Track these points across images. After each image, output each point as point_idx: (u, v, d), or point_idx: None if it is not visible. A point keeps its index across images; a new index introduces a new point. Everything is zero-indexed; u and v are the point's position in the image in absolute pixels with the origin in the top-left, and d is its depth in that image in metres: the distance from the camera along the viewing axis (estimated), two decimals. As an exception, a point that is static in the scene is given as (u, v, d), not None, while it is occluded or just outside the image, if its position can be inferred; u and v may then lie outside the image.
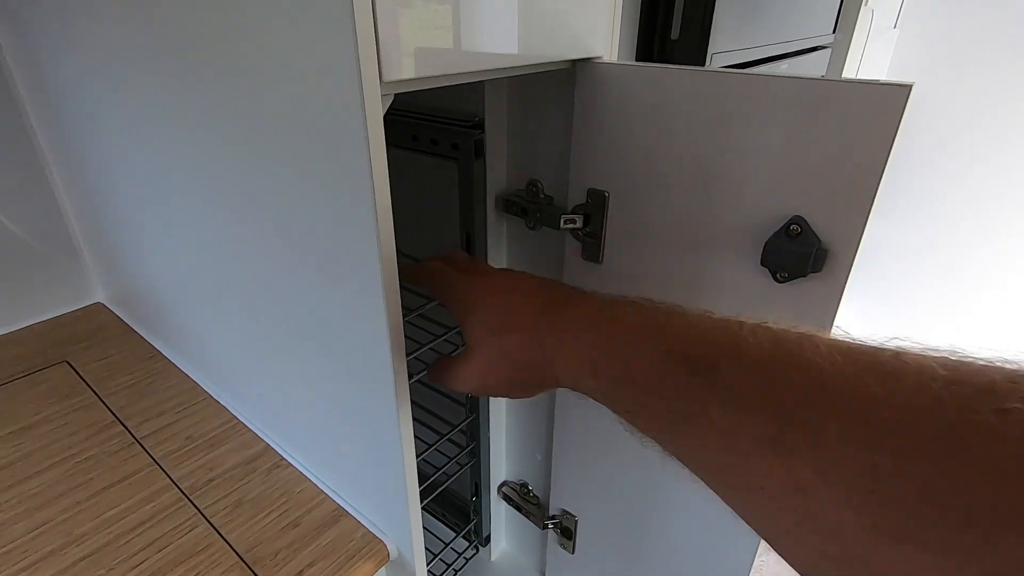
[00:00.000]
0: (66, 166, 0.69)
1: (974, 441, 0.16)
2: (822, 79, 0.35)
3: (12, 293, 0.74)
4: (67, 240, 0.76)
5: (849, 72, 1.05)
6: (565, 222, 0.50)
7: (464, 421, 0.67)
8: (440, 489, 0.65)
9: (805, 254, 0.37)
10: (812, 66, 0.90)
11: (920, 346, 0.20)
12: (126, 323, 0.76)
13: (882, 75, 1.64)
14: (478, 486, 0.74)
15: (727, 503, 0.24)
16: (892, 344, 0.20)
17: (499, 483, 0.76)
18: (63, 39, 0.52)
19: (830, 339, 0.21)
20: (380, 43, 0.28)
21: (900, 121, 0.33)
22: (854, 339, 0.21)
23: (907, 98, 0.32)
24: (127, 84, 0.47)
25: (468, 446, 0.70)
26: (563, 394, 0.60)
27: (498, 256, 0.57)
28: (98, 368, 0.68)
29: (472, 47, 0.34)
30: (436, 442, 0.60)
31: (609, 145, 0.45)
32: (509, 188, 0.55)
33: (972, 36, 1.54)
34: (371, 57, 0.28)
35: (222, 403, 0.62)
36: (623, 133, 0.44)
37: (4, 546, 0.46)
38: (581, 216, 0.49)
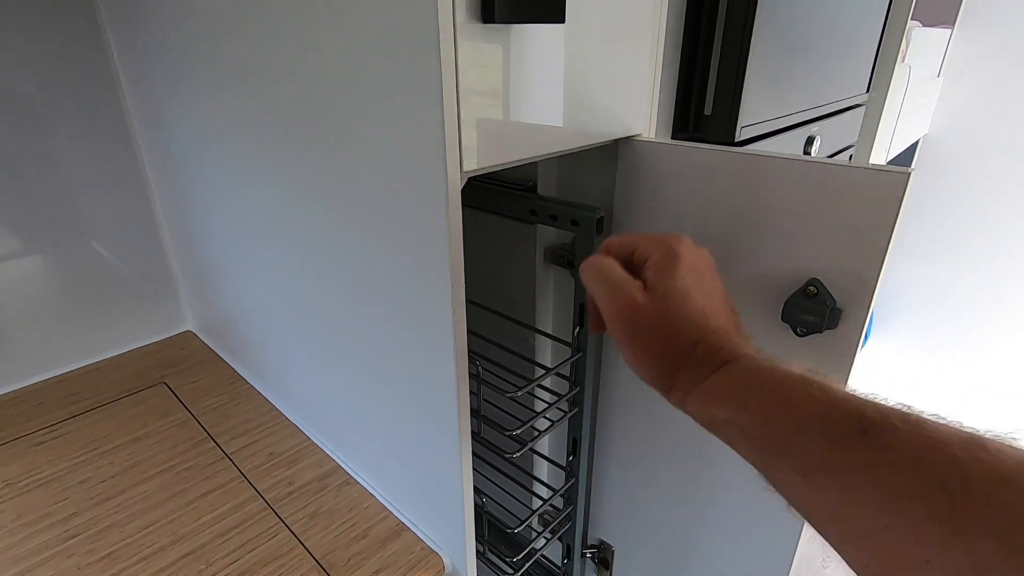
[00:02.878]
0: (172, 210, 0.80)
1: None
2: (834, 164, 0.41)
3: (116, 321, 0.85)
4: (166, 274, 0.87)
5: (886, 127, 1.09)
6: (607, 275, 0.56)
7: (564, 487, 0.65)
8: (534, 556, 0.63)
9: (821, 312, 0.42)
10: (846, 126, 0.94)
11: None
12: (213, 350, 0.86)
13: (925, 126, 1.66)
14: (571, 549, 0.72)
15: (850, 560, 0.24)
16: None
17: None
18: (182, 108, 0.63)
19: (1013, 445, 0.21)
20: (463, 146, 0.35)
21: (902, 201, 0.38)
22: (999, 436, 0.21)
23: (907, 183, 0.38)
24: (235, 147, 0.57)
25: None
26: (604, 424, 0.65)
27: (544, 302, 0.64)
28: (190, 390, 0.77)
29: (531, 138, 0.42)
30: (538, 508, 0.61)
31: (646, 210, 0.52)
32: (556, 242, 0.62)
33: (1014, 84, 1.54)
34: (455, 155, 0.35)
35: (297, 425, 0.70)
36: (659, 200, 0.51)
37: (121, 541, 0.54)
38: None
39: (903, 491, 0.21)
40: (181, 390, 0.77)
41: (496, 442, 0.59)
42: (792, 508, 0.27)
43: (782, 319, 0.45)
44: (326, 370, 0.60)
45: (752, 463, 0.29)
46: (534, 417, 0.56)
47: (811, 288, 0.43)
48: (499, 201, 0.59)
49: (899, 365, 2.03)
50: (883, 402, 0.24)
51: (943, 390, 1.94)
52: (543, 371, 0.58)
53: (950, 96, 1.63)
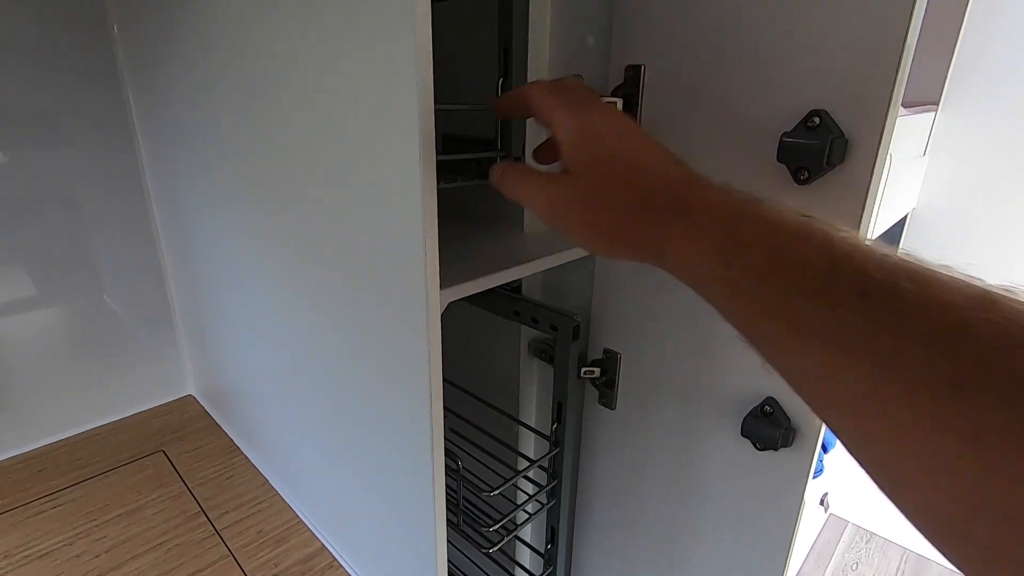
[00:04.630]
0: (179, 271, 0.85)
1: None
2: None
3: (121, 383, 0.88)
4: (171, 336, 0.91)
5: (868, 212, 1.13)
6: (584, 373, 0.59)
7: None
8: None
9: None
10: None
11: None
12: (212, 417, 0.89)
13: (912, 201, 1.71)
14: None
15: (854, 438, 0.22)
16: None
17: None
18: (190, 181, 0.68)
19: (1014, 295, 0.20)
20: (441, 291, 0.39)
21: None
22: None
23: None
24: (238, 219, 0.61)
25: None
26: (583, 511, 0.67)
27: (528, 393, 0.67)
28: (188, 459, 0.80)
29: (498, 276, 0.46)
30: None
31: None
32: (540, 336, 0.66)
33: (995, 160, 1.60)
34: (435, 283, 0.39)
35: (288, 501, 0.72)
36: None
37: (110, 620, 0.56)
38: (599, 369, 0.59)
39: (902, 355, 0.20)
40: (179, 459, 0.80)
41: (477, 535, 0.61)
42: (769, 365, 0.25)
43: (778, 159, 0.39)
44: (313, 452, 0.63)
45: (733, 323, 0.26)
46: (514, 510, 0.59)
47: (814, 119, 0.37)
48: (487, 299, 0.63)
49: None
50: (888, 255, 0.22)
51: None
52: (526, 462, 0.61)
53: (936, 173, 1.69)
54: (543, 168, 0.39)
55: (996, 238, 1.63)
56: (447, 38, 0.60)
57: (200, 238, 0.74)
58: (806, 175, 0.38)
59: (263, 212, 0.56)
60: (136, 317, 0.87)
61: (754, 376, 0.47)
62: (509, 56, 0.51)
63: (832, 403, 0.23)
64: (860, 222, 0.39)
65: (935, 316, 0.20)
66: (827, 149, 0.36)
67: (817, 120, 0.37)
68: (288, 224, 0.52)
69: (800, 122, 0.38)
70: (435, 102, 0.34)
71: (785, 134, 0.39)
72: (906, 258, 0.22)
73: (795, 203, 0.33)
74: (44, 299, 0.78)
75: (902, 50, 0.35)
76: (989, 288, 0.20)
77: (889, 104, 0.36)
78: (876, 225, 1.35)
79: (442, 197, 0.37)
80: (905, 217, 1.70)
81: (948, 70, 1.64)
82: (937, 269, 0.21)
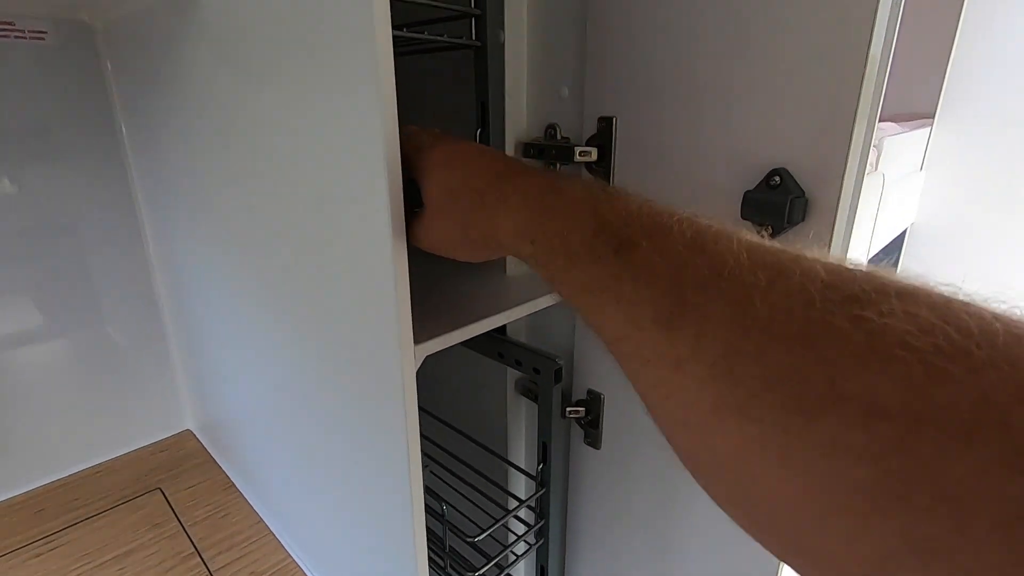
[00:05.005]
0: (175, 304, 0.86)
1: (821, 338, 0.18)
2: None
3: (120, 419, 0.89)
4: (168, 368, 0.92)
5: (861, 233, 1.13)
6: (569, 412, 0.60)
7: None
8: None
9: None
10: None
11: (824, 252, 0.21)
12: (208, 452, 0.90)
13: (912, 216, 1.71)
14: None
15: (625, 374, 0.25)
16: (798, 247, 0.22)
17: None
18: (187, 232, 0.70)
19: (750, 238, 0.23)
20: (417, 346, 0.40)
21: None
22: (775, 243, 0.22)
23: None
24: (223, 265, 0.62)
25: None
26: (573, 550, 0.67)
27: (516, 431, 0.67)
28: (184, 496, 0.81)
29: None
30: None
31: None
32: (525, 375, 0.66)
33: (991, 172, 1.60)
34: (408, 342, 0.40)
35: (280, 540, 0.72)
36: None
37: (103, 668, 0.56)
38: (583, 409, 0.60)
39: (636, 300, 0.23)
40: (175, 497, 0.81)
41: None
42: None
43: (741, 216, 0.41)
44: (300, 494, 0.64)
45: (549, 287, 0.31)
46: (502, 551, 0.59)
47: (775, 177, 0.39)
48: (472, 339, 0.64)
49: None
50: (652, 215, 0.26)
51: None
52: (515, 501, 0.61)
53: (933, 187, 1.68)
54: None
55: (993, 250, 1.62)
56: (426, 90, 0.61)
57: (191, 276, 0.75)
58: (769, 232, 0.39)
59: (244, 262, 0.57)
60: (134, 351, 0.89)
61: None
62: (486, 109, 0.52)
63: (615, 352, 0.25)
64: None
65: (661, 265, 0.23)
66: (788, 207, 0.37)
67: (778, 179, 0.38)
68: (266, 275, 0.53)
69: (762, 180, 0.39)
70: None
71: (748, 192, 0.40)
72: (653, 214, 0.26)
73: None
74: (47, 329, 0.80)
75: (855, 115, 0.35)
76: (707, 228, 0.24)
77: (845, 166, 0.36)
78: (873, 242, 1.35)
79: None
80: (905, 231, 1.70)
81: (942, 85, 1.65)
82: (678, 223, 0.24)
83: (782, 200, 0.37)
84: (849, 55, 0.35)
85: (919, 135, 1.60)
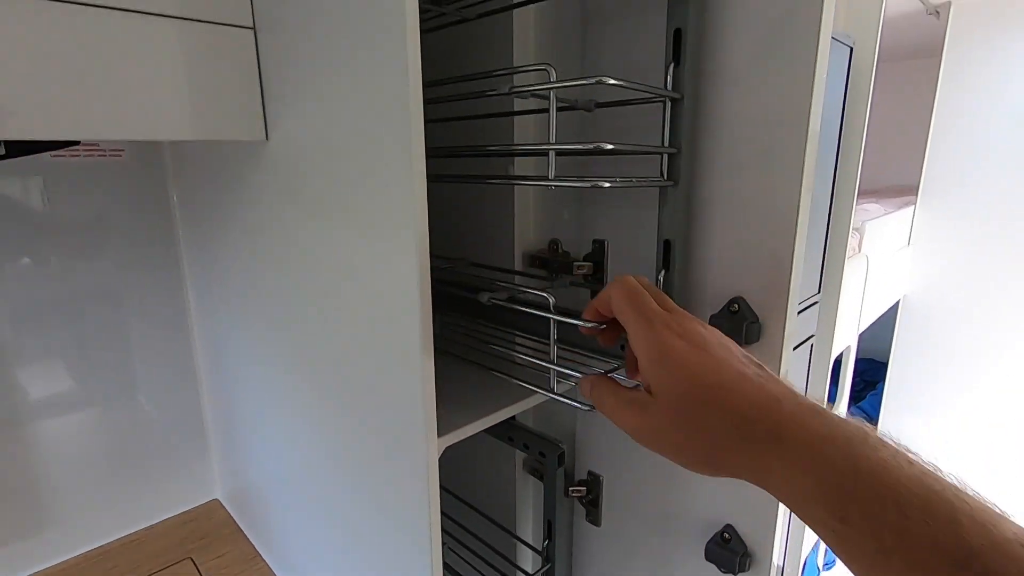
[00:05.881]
0: (214, 383, 0.94)
1: None
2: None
3: (152, 489, 0.96)
4: (201, 438, 0.99)
5: (849, 316, 1.21)
6: (572, 492, 0.66)
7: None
8: None
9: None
10: (806, 319, 1.07)
11: None
12: (236, 523, 0.96)
13: (903, 288, 1.79)
14: None
15: None
16: None
17: None
18: (227, 312, 0.79)
19: None
20: (439, 438, 0.48)
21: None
22: None
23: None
24: (264, 350, 0.71)
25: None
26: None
27: (523, 508, 0.73)
28: (213, 566, 0.86)
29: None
30: None
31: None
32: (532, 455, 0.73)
33: (974, 246, 1.69)
34: (433, 432, 0.48)
35: (304, 612, 0.77)
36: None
37: None
38: (585, 488, 0.66)
39: None
40: (205, 566, 0.86)
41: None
42: None
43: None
44: (325, 565, 0.69)
45: (837, 554, 0.27)
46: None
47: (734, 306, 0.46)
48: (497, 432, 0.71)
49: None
50: (995, 522, 0.23)
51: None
52: (523, 575, 0.66)
53: (920, 261, 1.77)
54: (630, 383, 0.39)
55: (980, 323, 1.69)
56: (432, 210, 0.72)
57: (232, 359, 0.84)
58: None
59: (286, 355, 0.66)
60: (170, 423, 0.96)
61: (715, 505, 0.53)
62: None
63: None
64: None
65: None
66: (744, 331, 0.45)
67: (736, 306, 0.47)
68: (305, 369, 0.62)
69: (724, 306, 0.48)
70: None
71: (712, 314, 0.49)
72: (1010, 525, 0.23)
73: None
74: (84, 398, 0.87)
75: (791, 257, 0.44)
76: None
77: (788, 296, 0.45)
78: (863, 317, 1.42)
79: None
80: (897, 303, 1.77)
81: (923, 164, 1.76)
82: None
83: (739, 323, 0.45)
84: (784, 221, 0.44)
85: (903, 214, 1.71)
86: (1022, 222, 1.59)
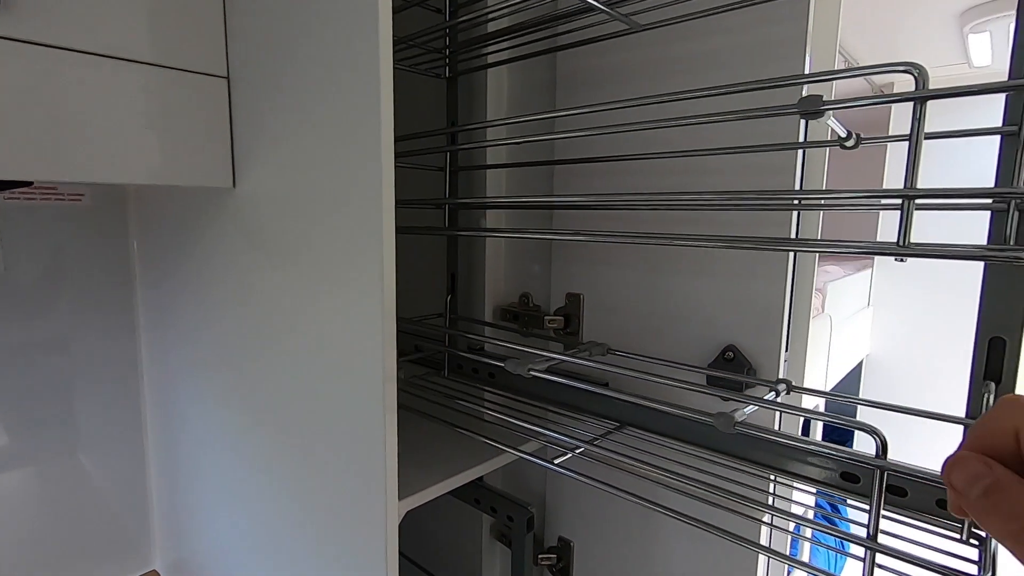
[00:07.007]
0: (162, 444, 0.88)
1: None
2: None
3: (88, 556, 0.87)
4: (143, 503, 0.92)
5: (814, 373, 1.23)
6: (541, 560, 0.63)
7: None
8: None
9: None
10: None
11: None
12: (175, 596, 0.88)
13: (865, 345, 1.84)
14: None
15: None
16: None
17: None
18: (188, 372, 0.74)
19: None
20: (400, 501, 0.45)
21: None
22: None
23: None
24: (215, 407, 0.67)
25: None
26: None
27: (491, 573, 0.69)
28: (145, 648, 0.78)
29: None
30: None
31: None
32: (500, 521, 0.70)
33: (926, 304, 1.76)
34: (394, 495, 0.45)
35: None
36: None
37: None
38: (555, 556, 0.63)
39: None
40: (135, 648, 0.77)
41: None
42: None
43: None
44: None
45: None
46: None
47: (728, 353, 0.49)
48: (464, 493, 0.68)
49: None
50: None
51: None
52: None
53: (880, 322, 1.83)
54: None
55: (945, 379, 1.74)
56: (398, 262, 0.71)
57: (183, 409, 0.79)
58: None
59: (241, 410, 0.62)
60: (109, 480, 0.89)
61: (694, 574, 0.51)
62: (455, 279, 0.61)
63: None
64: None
65: None
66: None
67: (731, 354, 0.48)
68: (260, 421, 0.58)
69: (719, 354, 0.49)
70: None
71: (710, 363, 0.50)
72: None
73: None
74: (15, 458, 0.80)
75: (783, 310, 0.45)
76: None
77: (780, 345, 0.46)
78: (830, 375, 1.45)
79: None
80: (862, 361, 1.81)
81: (877, 229, 1.85)
82: None
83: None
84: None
85: (862, 277, 1.78)
86: (973, 284, 1.67)
